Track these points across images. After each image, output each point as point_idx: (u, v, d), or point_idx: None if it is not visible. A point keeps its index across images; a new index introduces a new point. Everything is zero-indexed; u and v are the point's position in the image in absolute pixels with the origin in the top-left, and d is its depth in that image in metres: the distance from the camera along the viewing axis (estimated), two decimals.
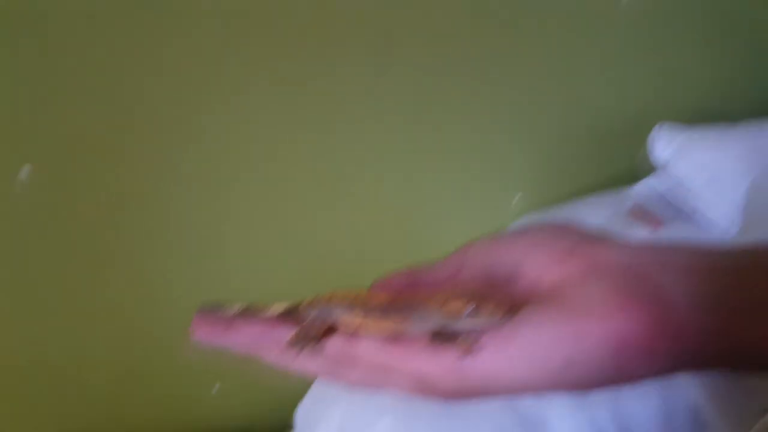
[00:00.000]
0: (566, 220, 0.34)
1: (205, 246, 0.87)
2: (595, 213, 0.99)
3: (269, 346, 0.33)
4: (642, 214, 0.97)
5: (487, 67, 0.96)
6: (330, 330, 0.31)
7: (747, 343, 0.27)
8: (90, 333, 0.84)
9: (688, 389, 0.64)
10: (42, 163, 0.72)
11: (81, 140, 0.73)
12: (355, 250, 0.97)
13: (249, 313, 0.33)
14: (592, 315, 0.27)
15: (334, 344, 0.31)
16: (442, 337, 0.29)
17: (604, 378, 0.27)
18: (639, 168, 1.07)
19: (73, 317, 0.82)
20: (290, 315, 0.33)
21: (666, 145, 1.03)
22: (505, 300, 0.28)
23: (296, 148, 0.87)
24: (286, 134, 0.85)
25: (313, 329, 0.31)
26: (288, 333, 0.31)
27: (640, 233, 0.90)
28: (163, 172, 0.80)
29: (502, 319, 0.27)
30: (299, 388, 0.89)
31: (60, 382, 0.85)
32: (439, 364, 0.28)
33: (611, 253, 0.30)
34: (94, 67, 0.70)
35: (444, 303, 0.29)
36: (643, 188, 1.04)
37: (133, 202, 0.80)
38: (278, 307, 0.33)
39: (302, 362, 0.32)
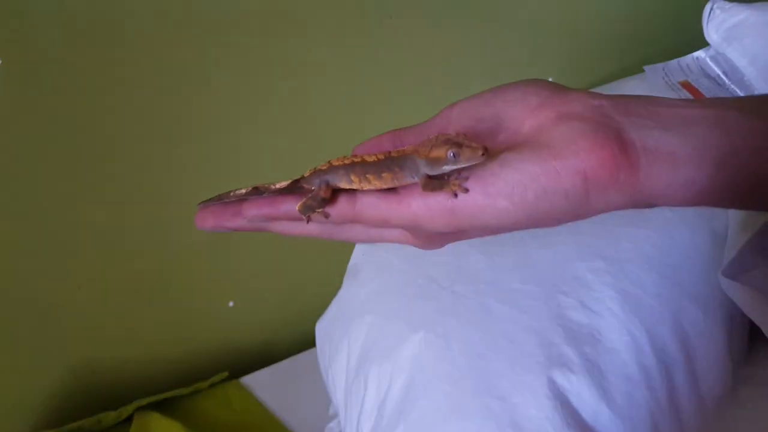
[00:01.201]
0: (538, 78, 0.36)
1: (214, 139, 0.79)
2: (640, 84, 0.89)
3: (279, 219, 0.36)
4: (691, 90, 0.87)
5: None
6: (333, 194, 0.35)
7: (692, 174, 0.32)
8: (95, 243, 0.79)
9: (752, 300, 0.57)
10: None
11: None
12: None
13: (256, 191, 0.36)
14: (561, 154, 0.31)
15: (337, 206, 0.34)
16: (432, 183, 0.32)
17: (573, 207, 0.31)
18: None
19: (75, 226, 0.76)
20: (294, 188, 0.36)
21: (718, 25, 0.91)
22: (485, 144, 0.31)
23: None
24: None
25: (318, 196, 0.34)
26: (295, 203, 0.35)
27: None
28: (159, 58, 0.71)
29: (482, 158, 0.31)
30: (317, 306, 0.84)
31: (68, 300, 0.80)
32: (431, 206, 0.32)
33: (578, 102, 0.33)
34: None
35: (429, 152, 0.32)
36: (692, 63, 0.93)
37: (128, 87, 0.71)
38: (282, 183, 0.36)
39: (310, 228, 0.37)
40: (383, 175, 0.33)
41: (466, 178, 0.32)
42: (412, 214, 0.33)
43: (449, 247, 0.71)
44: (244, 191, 0.36)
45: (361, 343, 0.67)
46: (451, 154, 0.31)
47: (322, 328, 0.78)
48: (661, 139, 0.32)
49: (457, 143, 0.32)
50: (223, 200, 0.37)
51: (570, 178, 0.30)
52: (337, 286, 0.80)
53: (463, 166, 0.32)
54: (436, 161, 0.32)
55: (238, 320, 0.95)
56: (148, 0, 0.67)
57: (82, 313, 0.82)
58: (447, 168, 0.32)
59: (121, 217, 0.79)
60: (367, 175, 0.34)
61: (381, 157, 0.34)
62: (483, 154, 0.31)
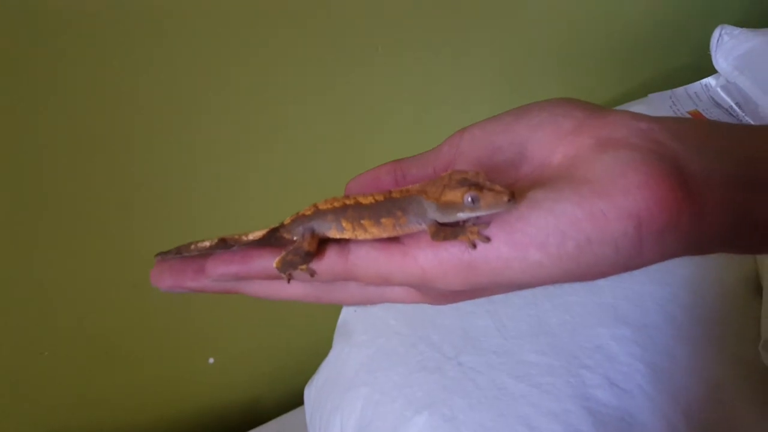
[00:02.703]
0: (569, 98, 0.29)
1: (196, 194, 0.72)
2: (645, 111, 0.83)
3: (252, 279, 0.30)
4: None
5: None
6: (319, 246, 0.28)
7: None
8: (59, 302, 0.72)
9: None
10: None
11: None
12: None
13: (223, 244, 0.30)
14: (607, 191, 0.24)
15: (325, 261, 0.28)
16: (444, 230, 0.26)
17: (623, 259, 0.25)
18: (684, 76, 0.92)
19: (36, 283, 0.69)
20: (271, 238, 0.30)
21: (727, 53, 0.86)
22: (509, 184, 0.26)
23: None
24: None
25: (300, 249, 0.28)
26: (272, 259, 0.29)
27: None
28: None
29: (508, 204, 0.25)
30: (305, 362, 0.78)
31: (31, 366, 0.73)
32: (444, 260, 0.26)
33: (621, 125, 0.27)
34: None
35: (440, 195, 0.26)
36: (701, 91, 0.87)
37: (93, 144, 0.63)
38: (258, 233, 0.30)
39: (292, 290, 0.30)
40: (382, 220, 0.27)
41: (487, 224, 0.25)
42: (419, 270, 0.26)
43: (452, 308, 0.64)
44: (208, 244, 0.30)
45: (356, 419, 0.60)
46: (469, 199, 0.25)
47: (311, 395, 0.71)
48: (728, 171, 0.25)
49: (476, 185, 0.25)
50: (182, 254, 0.31)
51: (621, 223, 0.24)
52: (326, 339, 0.73)
53: (482, 214, 0.25)
54: (449, 206, 0.26)
55: (220, 379, 0.88)
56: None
57: (47, 380, 0.75)
58: (462, 216, 0.26)
59: (86, 271, 0.71)
60: (363, 221, 0.28)
61: (379, 198, 0.28)
62: (509, 200, 0.25)
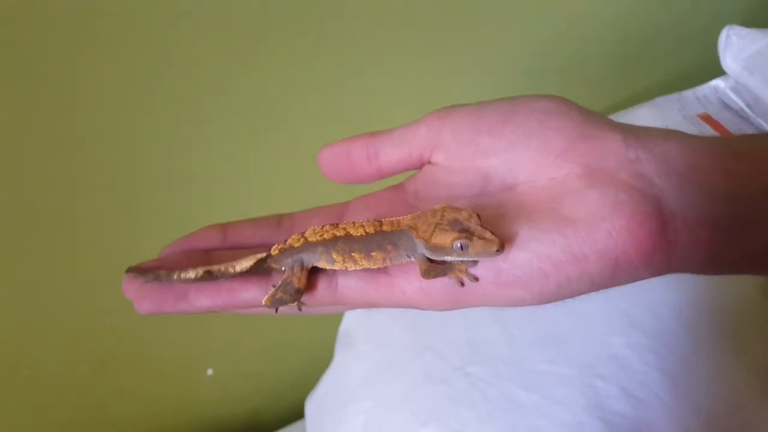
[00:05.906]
0: (559, 98, 0.30)
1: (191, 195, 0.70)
2: (652, 114, 0.80)
3: (239, 310, 0.30)
4: (712, 123, 0.79)
5: None
6: (309, 278, 0.29)
7: (739, 254, 0.27)
8: (52, 311, 0.70)
9: None
10: None
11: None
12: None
13: (209, 276, 0.29)
14: (592, 235, 0.26)
15: (315, 295, 0.29)
16: (435, 269, 0.27)
17: (597, 287, 0.27)
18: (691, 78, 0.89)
19: (28, 287, 0.67)
20: (259, 269, 0.29)
21: (736, 54, 0.84)
22: (497, 221, 0.27)
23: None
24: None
25: (290, 285, 0.28)
26: (259, 291, 0.29)
27: None
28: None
29: (496, 254, 0.26)
30: (306, 373, 0.77)
31: (22, 377, 0.72)
32: (431, 293, 0.28)
33: (611, 152, 0.27)
34: None
35: (430, 236, 0.27)
36: (710, 93, 0.85)
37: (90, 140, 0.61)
38: (245, 264, 0.29)
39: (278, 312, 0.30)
40: (373, 254, 0.28)
41: (475, 263, 0.27)
42: (407, 300, 0.28)
43: (458, 316, 0.62)
44: (193, 275, 0.30)
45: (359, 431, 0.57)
46: (458, 245, 0.26)
47: (312, 408, 0.69)
48: (705, 209, 0.26)
49: (467, 231, 0.26)
50: (162, 281, 0.30)
51: (600, 264, 0.26)
52: (328, 350, 0.71)
53: (469, 259, 0.27)
54: (437, 248, 0.27)
55: (218, 391, 0.86)
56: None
57: (38, 392, 0.73)
58: (450, 259, 0.27)
59: (80, 280, 0.69)
60: (353, 254, 0.28)
61: (370, 230, 0.28)
62: (498, 250, 0.26)
